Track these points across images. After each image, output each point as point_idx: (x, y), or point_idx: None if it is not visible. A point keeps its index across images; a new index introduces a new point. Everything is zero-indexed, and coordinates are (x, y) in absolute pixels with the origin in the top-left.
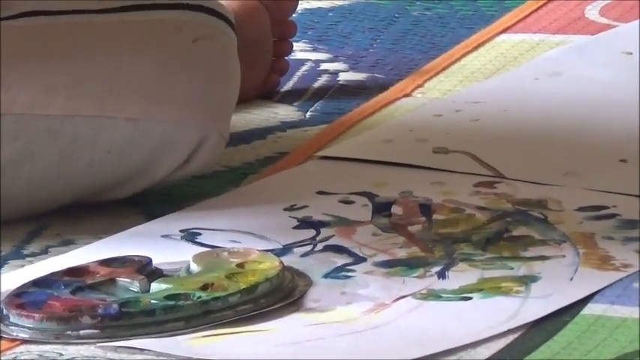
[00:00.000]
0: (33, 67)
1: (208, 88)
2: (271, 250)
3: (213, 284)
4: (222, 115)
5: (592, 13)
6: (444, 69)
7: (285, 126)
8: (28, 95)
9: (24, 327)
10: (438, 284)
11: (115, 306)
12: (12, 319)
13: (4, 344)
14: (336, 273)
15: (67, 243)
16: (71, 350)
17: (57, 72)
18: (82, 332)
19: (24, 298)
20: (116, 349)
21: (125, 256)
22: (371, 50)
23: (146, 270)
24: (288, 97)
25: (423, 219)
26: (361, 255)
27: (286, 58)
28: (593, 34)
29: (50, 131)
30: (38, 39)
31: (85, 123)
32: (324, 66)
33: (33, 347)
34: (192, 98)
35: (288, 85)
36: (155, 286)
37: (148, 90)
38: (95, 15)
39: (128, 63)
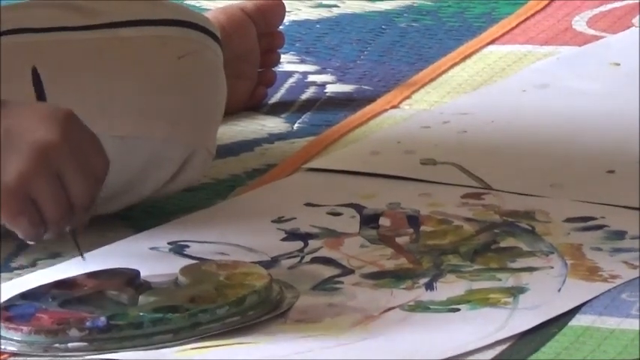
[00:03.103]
0: (19, 86)
1: (195, 105)
2: (259, 262)
3: (201, 297)
4: (209, 131)
5: (580, 24)
6: (431, 80)
7: (273, 138)
8: None
9: (12, 340)
10: (426, 296)
11: (103, 319)
12: (0, 332)
13: None
14: (324, 285)
15: (55, 256)
16: None
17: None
18: (70, 345)
19: (12, 311)
20: None
21: (113, 268)
22: (358, 62)
23: (134, 282)
24: (276, 109)
25: (411, 230)
26: (349, 267)
27: (274, 69)
28: (580, 46)
29: None
30: (24, 57)
31: None
32: (311, 78)
33: None
34: (179, 115)
35: (276, 97)
36: (143, 299)
37: (135, 107)
38: (81, 32)
39: (114, 80)
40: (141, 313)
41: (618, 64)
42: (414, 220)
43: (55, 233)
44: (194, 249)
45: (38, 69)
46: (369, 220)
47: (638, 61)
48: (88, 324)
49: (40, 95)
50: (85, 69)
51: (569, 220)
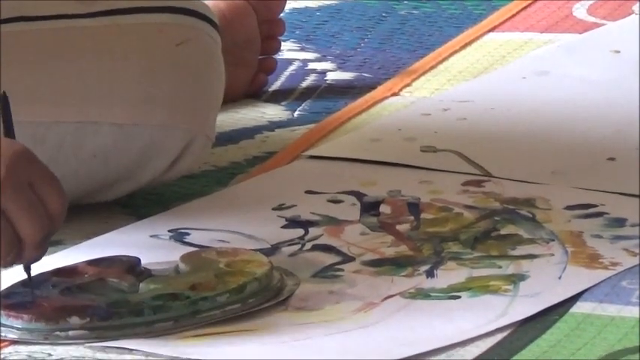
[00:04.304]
0: (17, 74)
1: (193, 91)
2: (260, 250)
3: (201, 284)
4: (208, 117)
5: (580, 11)
6: (431, 68)
7: (274, 125)
8: (13, 102)
9: (12, 327)
10: (427, 283)
11: (104, 306)
12: (0, 319)
13: None
14: (325, 272)
15: (56, 243)
16: (60, 350)
17: (41, 78)
18: (70, 332)
19: (12, 298)
20: (105, 349)
21: (114, 256)
22: (358, 49)
23: (135, 270)
24: (276, 97)
25: (412, 218)
26: (350, 254)
27: (274, 57)
28: (580, 33)
29: (36, 138)
30: (22, 45)
31: (70, 129)
32: (311, 65)
33: (22, 348)
34: (178, 102)
35: (276, 85)
36: (144, 286)
37: (133, 94)
38: (78, 20)
39: (112, 68)
40: (141, 301)
41: (618, 52)
42: (414, 208)
43: (2, 266)
44: (194, 236)
45: (36, 57)
46: (370, 207)
47: (638, 48)
48: (88, 311)
49: (7, 124)
50: (82, 57)
51: (569, 207)
